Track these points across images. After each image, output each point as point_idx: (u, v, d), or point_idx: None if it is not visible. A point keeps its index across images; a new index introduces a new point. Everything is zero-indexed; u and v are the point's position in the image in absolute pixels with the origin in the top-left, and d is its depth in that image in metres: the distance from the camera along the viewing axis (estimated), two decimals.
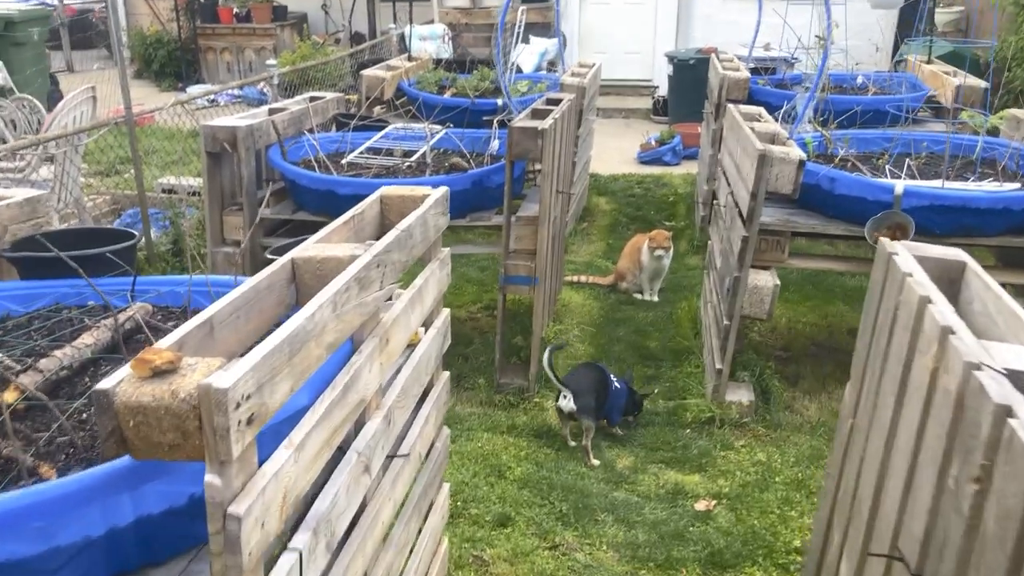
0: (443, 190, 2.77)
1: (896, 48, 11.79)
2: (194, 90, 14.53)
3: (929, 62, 7.90)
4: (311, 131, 5.63)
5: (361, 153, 5.37)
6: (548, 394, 4.86)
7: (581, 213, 8.68)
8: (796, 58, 9.10)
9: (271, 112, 5.36)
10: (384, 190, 2.71)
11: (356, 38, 15.26)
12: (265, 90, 11.56)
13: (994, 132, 5.59)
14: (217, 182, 4.89)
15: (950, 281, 2.47)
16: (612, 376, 4.52)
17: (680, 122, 11.42)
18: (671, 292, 6.79)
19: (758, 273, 4.58)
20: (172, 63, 15.47)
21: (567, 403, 4.31)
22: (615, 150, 11.17)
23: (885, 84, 7.81)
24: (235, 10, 15.26)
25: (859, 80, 8.02)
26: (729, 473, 4.24)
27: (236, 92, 13.99)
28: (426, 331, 2.77)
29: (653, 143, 10.93)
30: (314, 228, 2.40)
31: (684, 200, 9.19)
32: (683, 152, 10.85)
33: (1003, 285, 2.26)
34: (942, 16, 12.86)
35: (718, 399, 4.71)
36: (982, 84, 6.84)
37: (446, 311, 2.97)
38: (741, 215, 4.63)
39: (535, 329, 4.78)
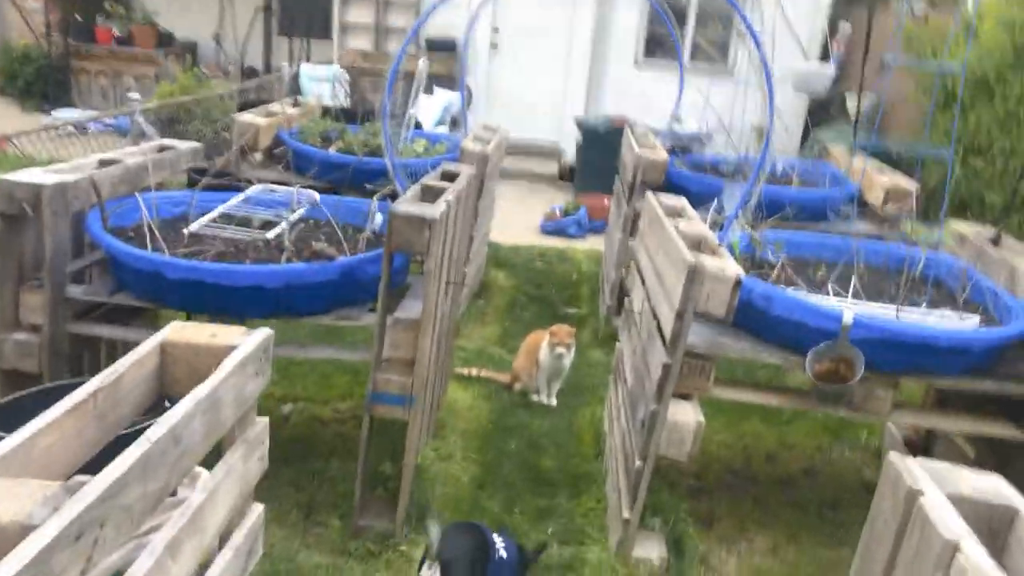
0: (263, 336, 1.88)
1: (807, 133, 11.52)
2: (61, 115, 13.19)
3: (852, 154, 7.43)
4: (159, 187, 4.64)
5: (212, 221, 4.40)
6: (419, 540, 3.94)
7: (478, 288, 7.84)
8: (710, 136, 8.58)
9: (101, 164, 4.34)
10: (168, 334, 1.79)
11: (249, 73, 14.21)
12: (142, 122, 10.41)
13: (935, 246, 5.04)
14: (15, 251, 3.84)
15: (991, 532, 1.71)
16: (496, 541, 3.64)
17: (587, 191, 10.80)
18: (571, 395, 5.98)
19: (679, 405, 3.81)
20: (40, 82, 14.04)
21: None
22: (518, 216, 10.43)
23: (808, 175, 7.29)
24: (115, 32, 13.99)
25: (779, 167, 7.48)
26: None
27: (109, 121, 12.73)
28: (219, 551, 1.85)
29: (558, 213, 10.25)
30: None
31: (588, 280, 8.48)
32: (588, 225, 10.20)
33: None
34: (852, 103, 12.73)
35: (623, 554, 3.89)
36: (912, 186, 6.36)
37: (257, 510, 2.05)
38: (662, 335, 3.86)
39: (408, 456, 3.86)
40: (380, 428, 4.39)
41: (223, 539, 1.83)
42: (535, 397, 5.81)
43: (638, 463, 3.79)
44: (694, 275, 3.52)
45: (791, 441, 5.64)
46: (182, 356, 1.73)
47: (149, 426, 1.48)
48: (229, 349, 1.72)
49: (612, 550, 3.93)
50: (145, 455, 1.32)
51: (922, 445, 5.10)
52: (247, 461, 1.85)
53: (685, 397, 3.92)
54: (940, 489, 1.83)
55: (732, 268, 3.60)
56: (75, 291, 3.92)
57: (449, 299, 4.63)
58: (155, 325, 4.71)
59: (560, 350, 5.58)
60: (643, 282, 4.65)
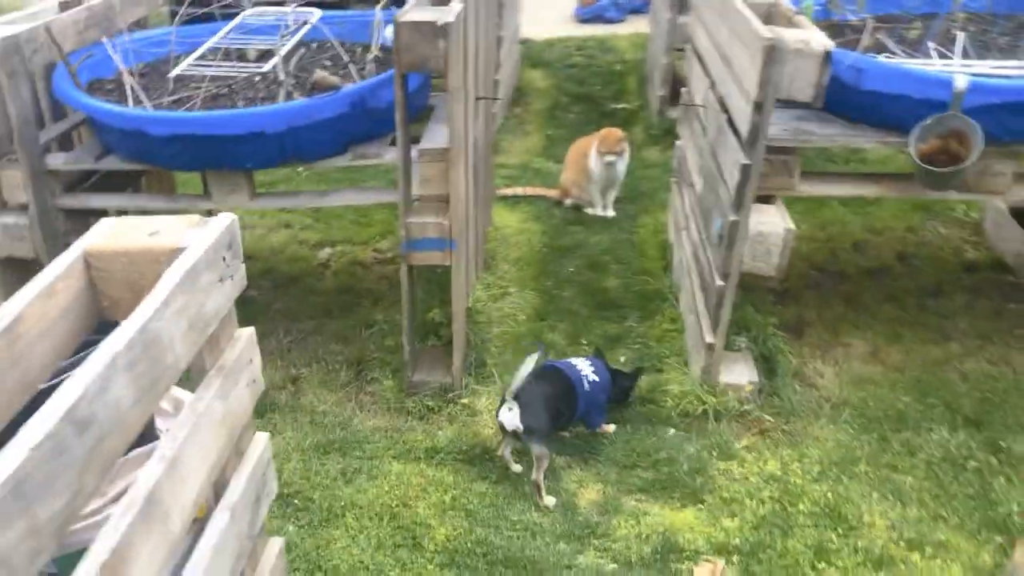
0: (223, 226, 1.38)
1: None
2: None
3: None
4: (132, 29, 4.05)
5: (199, 59, 3.81)
6: (480, 391, 3.58)
7: (512, 96, 7.17)
8: None
9: (62, 7, 3.74)
10: (93, 240, 1.30)
11: None
12: None
13: None
14: None
15: None
16: (582, 371, 3.30)
17: None
18: (628, 203, 5.45)
19: (761, 211, 3.26)
20: None
21: (511, 417, 3.04)
22: (548, 4, 9.51)
23: None
24: None
25: None
26: (735, 502, 3.06)
27: None
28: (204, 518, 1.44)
29: None
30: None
31: (634, 70, 7.70)
32: (629, 5, 9.25)
33: None
34: None
35: (709, 382, 3.48)
36: None
37: (261, 442, 1.63)
38: (735, 131, 3.26)
39: (456, 304, 3.44)
40: (423, 274, 3.97)
41: (218, 492, 1.42)
42: (590, 210, 5.30)
43: (719, 282, 3.31)
44: (773, 53, 2.87)
45: (879, 225, 5.08)
46: (115, 269, 1.26)
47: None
48: (174, 252, 1.23)
49: (696, 377, 3.52)
50: (23, 468, 0.86)
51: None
52: (228, 395, 1.41)
53: (767, 200, 3.37)
54: None
55: (818, 40, 2.93)
56: (56, 161, 3.44)
57: (481, 117, 4.05)
58: (164, 187, 4.25)
59: (611, 158, 5.00)
60: (704, 68, 3.98)
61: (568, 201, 5.35)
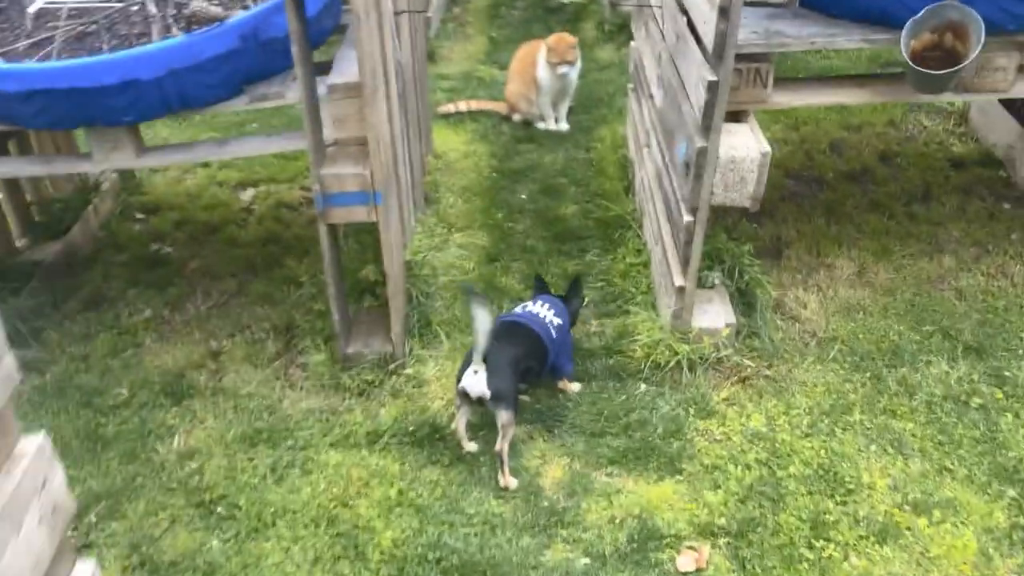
0: None
1: None
2: None
3: None
4: None
5: None
6: (427, 356, 3.17)
7: None
8: None
9: None
10: None
11: None
12: None
13: None
14: None
15: None
16: (545, 318, 2.93)
17: None
18: (583, 112, 4.95)
19: (733, 133, 2.81)
20: None
21: (477, 382, 2.64)
22: None
23: None
24: None
25: None
26: (718, 469, 2.71)
27: None
28: None
29: None
30: None
31: None
32: None
33: None
34: None
35: (681, 328, 3.09)
36: None
37: None
38: (698, 39, 2.78)
39: (389, 263, 2.97)
40: (352, 229, 3.52)
41: None
42: (541, 125, 4.80)
43: (687, 218, 2.88)
44: None
45: (856, 121, 4.64)
46: None
47: None
48: None
49: (666, 323, 3.13)
50: None
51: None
52: (6, 544, 0.98)
53: (737, 117, 2.91)
54: None
55: None
56: None
57: (407, 33, 3.51)
58: (63, 142, 3.71)
59: (563, 68, 4.48)
60: None
61: (516, 116, 4.84)
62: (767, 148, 2.76)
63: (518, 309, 3.02)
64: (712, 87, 2.62)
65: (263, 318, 3.46)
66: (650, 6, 3.49)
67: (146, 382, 3.14)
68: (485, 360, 2.65)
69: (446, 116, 4.89)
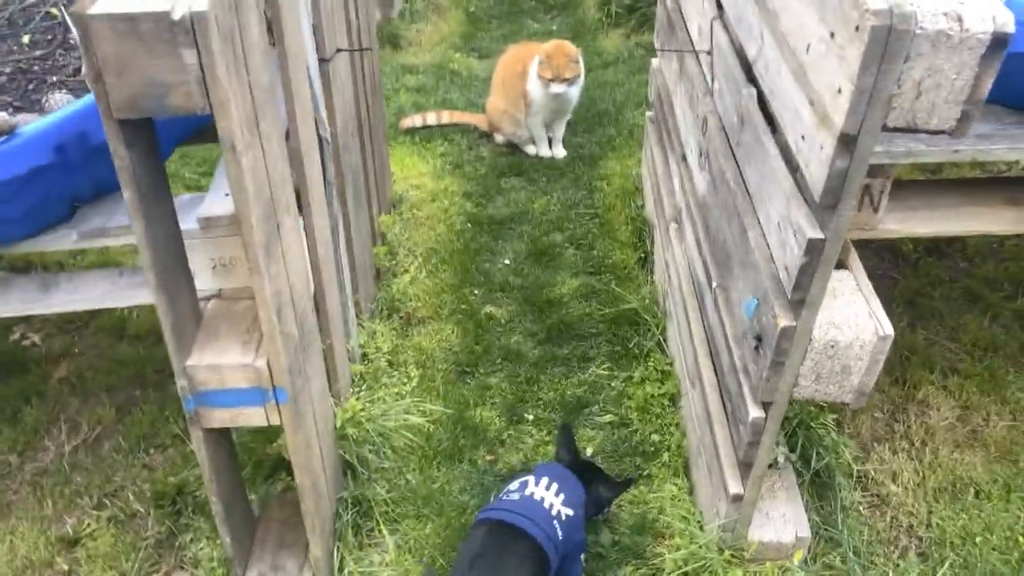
0: None
1: None
2: None
3: None
4: None
5: None
6: (364, 571, 2.21)
7: None
8: None
9: None
10: None
11: None
12: None
13: None
14: None
15: None
16: (551, 509, 1.99)
17: None
18: (583, 132, 3.92)
19: (834, 295, 1.83)
20: None
21: None
22: None
23: None
24: None
25: None
26: None
27: None
28: None
29: None
30: None
31: None
32: None
33: None
34: None
35: (733, 543, 2.15)
36: None
37: None
38: (786, 154, 1.77)
39: (306, 470, 1.97)
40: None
41: None
42: (531, 150, 3.77)
43: (754, 413, 1.90)
44: (890, 40, 1.34)
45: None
46: None
47: None
48: None
49: (711, 534, 2.18)
50: None
51: None
52: None
53: (839, 263, 1.91)
54: None
55: (981, 11, 1.40)
56: None
57: (346, 76, 2.46)
58: None
59: (559, 88, 3.42)
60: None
61: (499, 137, 3.80)
62: (888, 330, 1.77)
63: (514, 489, 2.06)
64: (814, 248, 1.62)
65: (146, 475, 2.49)
66: (694, 51, 2.43)
67: None
68: None
69: (411, 132, 3.84)
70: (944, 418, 2.58)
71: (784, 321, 1.73)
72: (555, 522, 1.98)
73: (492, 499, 2.27)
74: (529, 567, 1.90)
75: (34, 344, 2.98)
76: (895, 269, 3.12)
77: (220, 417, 1.81)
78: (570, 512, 2.03)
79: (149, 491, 2.44)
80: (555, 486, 2.05)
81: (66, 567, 2.29)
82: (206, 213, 1.77)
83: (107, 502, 2.44)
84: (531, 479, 2.08)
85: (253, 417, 1.81)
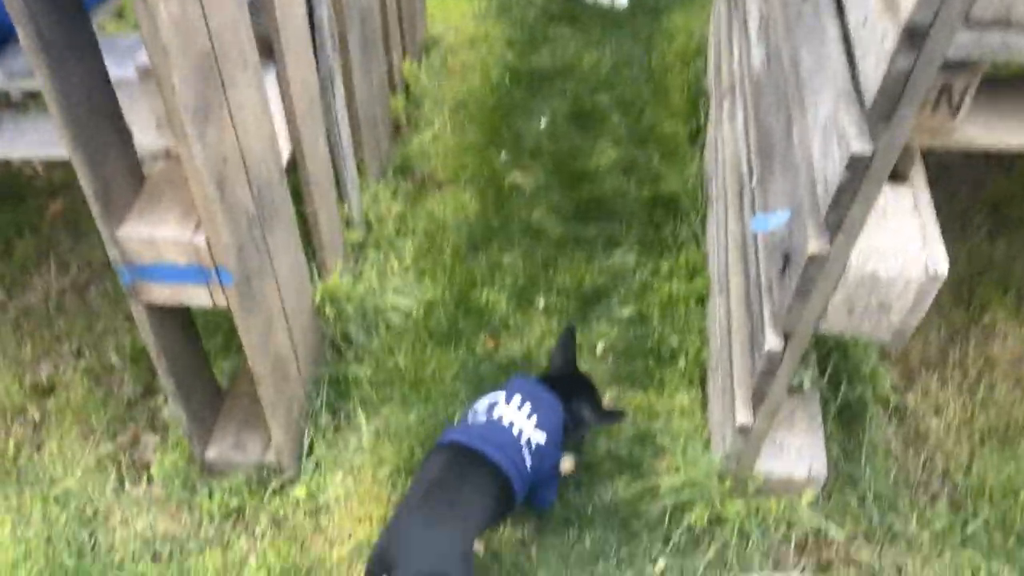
0: None
1: None
2: None
3: None
4: None
5: None
6: (331, 461, 2.06)
7: None
8: None
9: None
10: None
11: None
12: None
13: None
14: None
15: None
16: (520, 435, 1.77)
17: None
18: None
19: (885, 216, 1.50)
20: None
21: None
22: None
23: None
24: None
25: None
26: None
27: None
28: None
29: None
30: None
31: None
32: None
33: None
34: None
35: (738, 472, 1.92)
36: None
37: None
38: (847, 42, 1.41)
39: (256, 362, 1.78)
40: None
41: None
42: None
43: (772, 342, 1.63)
44: None
45: None
46: None
47: None
48: None
49: (715, 462, 1.95)
50: None
51: None
52: None
53: (894, 168, 1.56)
54: None
55: None
56: None
57: None
58: None
59: None
60: None
61: None
62: (942, 267, 1.45)
63: (481, 409, 1.86)
64: (858, 164, 1.30)
65: (128, 327, 2.36)
66: None
67: None
68: (393, 557, 1.58)
69: None
70: (1009, 349, 2.26)
71: (815, 246, 1.43)
72: (524, 450, 1.77)
73: (456, 420, 2.08)
74: (491, 498, 1.72)
75: (35, 173, 2.84)
76: (985, 170, 2.71)
77: (160, 293, 1.61)
78: (542, 437, 1.80)
79: (128, 346, 2.32)
80: (528, 406, 1.82)
81: (37, 416, 2.20)
82: (146, 61, 1.51)
83: (86, 351, 2.33)
84: (502, 397, 1.84)
85: (196, 296, 1.61)
